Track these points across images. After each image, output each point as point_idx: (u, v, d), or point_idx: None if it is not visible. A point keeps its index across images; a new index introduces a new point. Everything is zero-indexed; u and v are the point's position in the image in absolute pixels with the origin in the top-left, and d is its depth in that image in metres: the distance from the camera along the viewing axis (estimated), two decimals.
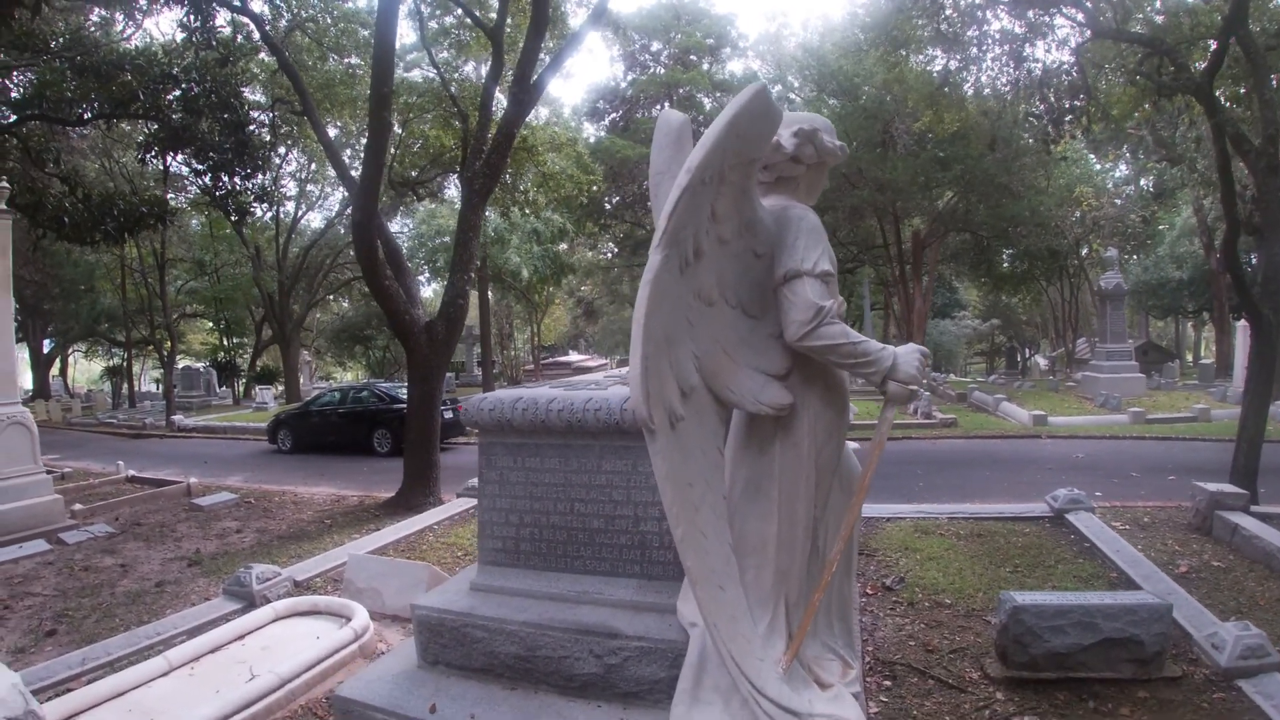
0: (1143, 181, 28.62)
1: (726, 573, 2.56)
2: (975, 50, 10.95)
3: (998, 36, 10.36)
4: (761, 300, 2.73)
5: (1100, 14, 8.48)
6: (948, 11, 10.42)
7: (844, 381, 2.93)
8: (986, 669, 4.25)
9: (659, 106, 25.68)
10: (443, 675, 3.06)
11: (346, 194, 25.83)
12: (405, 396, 15.34)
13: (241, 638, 4.21)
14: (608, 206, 25.57)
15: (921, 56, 13.51)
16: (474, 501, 7.94)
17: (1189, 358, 37.01)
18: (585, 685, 2.91)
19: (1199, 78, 7.79)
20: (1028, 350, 44.69)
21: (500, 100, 10.51)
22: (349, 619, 4.36)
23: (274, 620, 4.47)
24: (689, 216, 2.37)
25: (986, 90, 12.73)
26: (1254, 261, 10.27)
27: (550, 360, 33.11)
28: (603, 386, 3.29)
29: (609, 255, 32.79)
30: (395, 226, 28.74)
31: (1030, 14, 9.30)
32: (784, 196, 2.86)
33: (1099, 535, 6.54)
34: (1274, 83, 8.28)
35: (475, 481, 8.19)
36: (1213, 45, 9.25)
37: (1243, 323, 21.34)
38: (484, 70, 12.55)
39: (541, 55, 8.71)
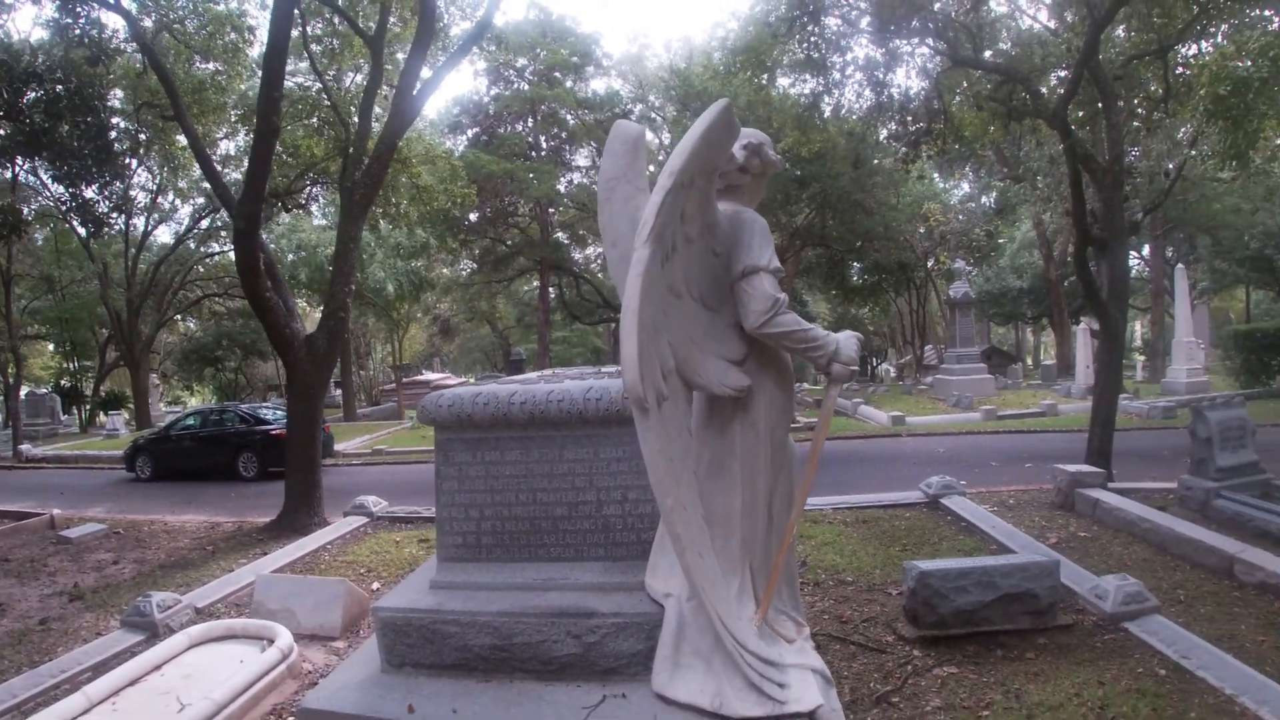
0: (984, 199, 31.44)
1: (703, 541, 2.75)
2: (839, 75, 11.80)
3: (862, 63, 11.21)
4: (719, 294, 2.98)
5: (959, 44, 9.40)
6: (813, 38, 11.17)
7: (791, 366, 3.19)
8: (900, 632, 4.66)
9: (524, 122, 25.78)
10: (411, 676, 3.01)
11: (215, 203, 24.15)
12: (268, 417, 14.87)
13: (159, 668, 3.92)
14: (469, 221, 25.30)
15: (788, 80, 14.34)
16: (363, 520, 7.76)
17: (1029, 361, 40.71)
18: (564, 667, 2.96)
19: (1055, 105, 8.79)
20: (875, 359, 47.70)
21: (378, 110, 10.32)
22: (271, 640, 4.17)
23: (189, 648, 4.18)
24: (669, 216, 2.58)
25: (848, 113, 13.70)
26: (1094, 270, 11.47)
27: (409, 380, 32.16)
28: (559, 379, 3.37)
29: (467, 271, 32.28)
30: None
31: (894, 43, 10.18)
32: (733, 202, 3.12)
33: (974, 515, 7.21)
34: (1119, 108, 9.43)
35: (363, 499, 8.08)
36: (1060, 74, 10.41)
37: (1082, 326, 24.01)
38: (356, 79, 12.25)
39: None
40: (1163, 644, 4.49)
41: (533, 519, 3.20)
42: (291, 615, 4.60)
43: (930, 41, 9.27)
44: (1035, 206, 23.74)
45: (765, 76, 14.54)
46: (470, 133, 25.41)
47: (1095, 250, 9.55)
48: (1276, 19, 7.84)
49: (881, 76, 10.98)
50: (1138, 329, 38.66)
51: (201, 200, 25.18)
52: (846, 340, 2.98)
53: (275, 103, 7.29)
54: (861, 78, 11.46)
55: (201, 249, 27.79)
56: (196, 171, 19.64)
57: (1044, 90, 9.78)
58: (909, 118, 10.69)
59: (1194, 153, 16.88)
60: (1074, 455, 9.15)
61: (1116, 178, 8.91)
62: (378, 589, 5.54)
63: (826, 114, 12.75)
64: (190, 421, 15.36)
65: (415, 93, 8.16)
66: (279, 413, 15.96)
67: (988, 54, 10.10)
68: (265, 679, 3.82)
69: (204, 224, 26.29)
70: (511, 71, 25.01)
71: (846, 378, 3.03)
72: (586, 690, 2.90)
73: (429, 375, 36.77)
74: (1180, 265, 22.04)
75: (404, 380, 31.32)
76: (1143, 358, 27.73)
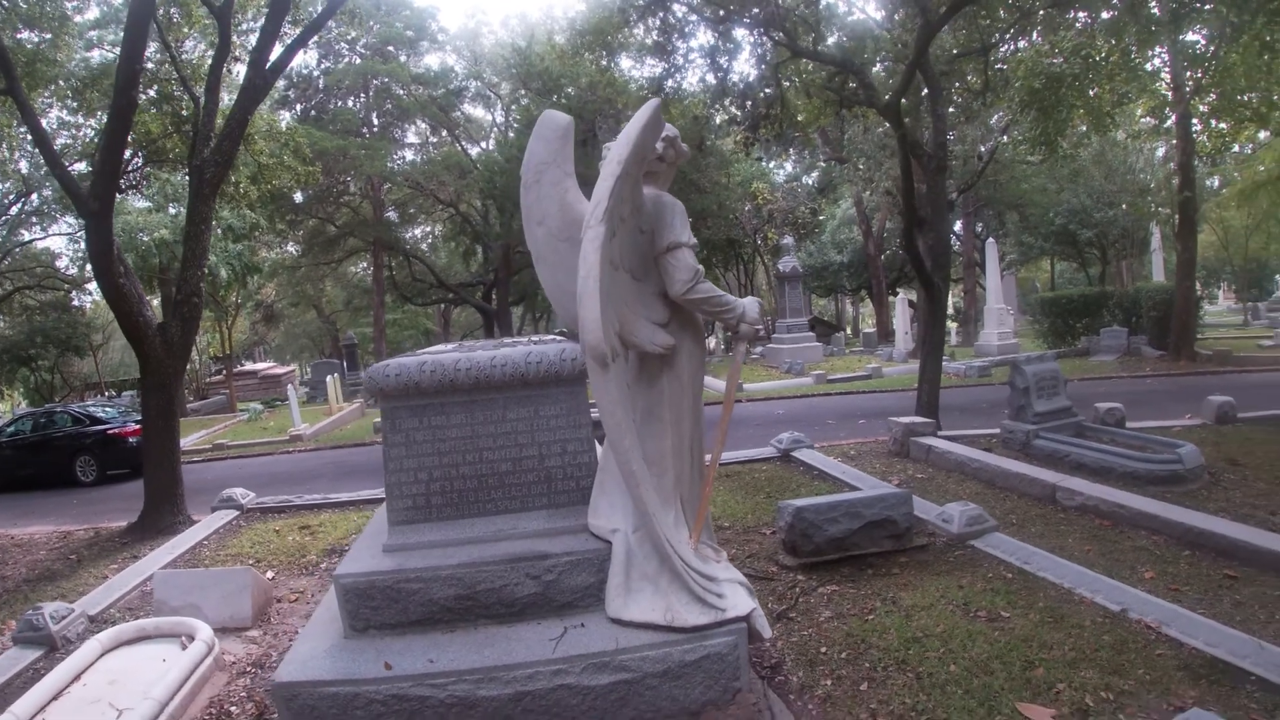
0: (806, 178, 33.60)
1: (646, 477, 3.13)
2: (682, 60, 12.37)
3: (705, 49, 11.84)
4: (645, 266, 3.40)
5: (797, 35, 10.19)
6: (659, 24, 11.65)
7: (703, 327, 3.68)
8: (782, 562, 5.29)
9: (355, 98, 24.64)
10: (378, 638, 3.16)
11: (26, 186, 21.10)
12: (103, 416, 13.90)
13: (78, 677, 3.73)
14: (297, 201, 23.94)
15: (631, 62, 14.79)
16: (234, 513, 7.56)
17: (849, 330, 44.15)
18: (525, 607, 3.24)
19: (889, 99, 9.72)
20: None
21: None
22: (190, 636, 4.08)
23: (103, 653, 3.99)
24: (617, 199, 2.95)
25: (692, 98, 14.35)
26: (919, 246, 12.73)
27: (237, 370, 29.99)
28: (498, 346, 3.61)
29: (295, 253, 30.42)
30: (68, 227, 24.18)
31: (736, 31, 10.85)
32: (652, 186, 3.51)
33: (824, 464, 7.99)
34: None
35: (230, 492, 7.79)
36: (887, 64, 11.42)
37: (900, 296, 26.36)
38: (199, 50, 11.31)
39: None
40: (1006, 554, 5.25)
41: (480, 476, 3.44)
42: (197, 610, 4.48)
43: (770, 32, 9.97)
44: (857, 186, 25.70)
45: (609, 59, 14.96)
46: (299, 108, 23.91)
47: (919, 228, 10.69)
48: (1090, 21, 9.04)
49: (724, 63, 11.66)
50: (950, 298, 43.02)
51: (8, 184, 22.12)
52: (751, 304, 3.52)
53: (135, 76, 6.75)
54: (704, 63, 12.11)
55: (12, 237, 24.44)
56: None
57: (874, 82, 10.79)
58: (749, 102, 11.44)
59: (1006, 139, 19.10)
60: (902, 411, 10.15)
61: (940, 163, 10.04)
62: (273, 578, 5.47)
63: (672, 94, 13.30)
64: (15, 428, 14.00)
65: (269, 66, 7.78)
66: (112, 410, 14.85)
67: (829, 40, 10.96)
68: (197, 673, 3.76)
69: (14, 210, 23.09)
70: (344, 45, 23.74)
71: (752, 335, 3.55)
72: (548, 626, 3.20)
73: (254, 365, 34.37)
74: (991, 240, 24.48)
75: (235, 371, 29.14)
76: (955, 324, 30.72)
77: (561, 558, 3.27)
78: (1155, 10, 7.35)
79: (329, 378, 21.18)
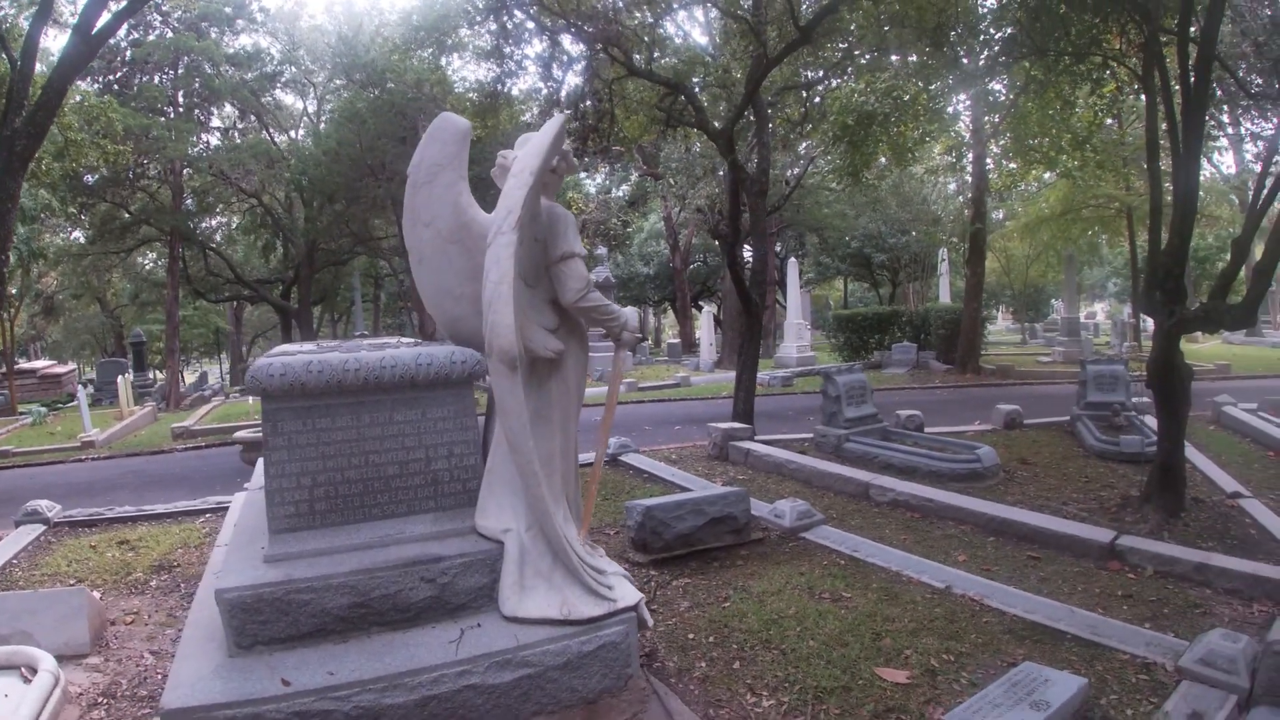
0: (617, 191, 34.46)
1: (543, 477, 3.25)
2: (514, 65, 12.40)
3: (543, 57, 11.97)
4: (536, 273, 3.56)
5: (632, 53, 10.57)
6: (495, 27, 11.63)
7: (587, 334, 3.87)
8: (632, 559, 5.54)
9: (165, 74, 22.26)
10: (267, 654, 2.97)
11: None
12: None
13: None
14: (89, 183, 21.33)
15: (463, 63, 14.56)
16: (40, 529, 6.75)
17: (652, 340, 45.70)
18: (420, 612, 3.21)
19: (723, 126, 10.28)
20: None
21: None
22: (33, 667, 3.59)
23: None
24: (529, 208, 3.04)
25: (519, 104, 14.38)
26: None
27: (18, 368, 26.06)
28: (384, 347, 3.55)
29: (81, 240, 27.10)
30: None
31: (574, 46, 11.04)
32: (544, 198, 3.62)
33: (652, 467, 8.33)
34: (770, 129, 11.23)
35: (35, 505, 6.96)
36: (708, 92, 12.06)
37: (705, 310, 27.57)
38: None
39: None
40: (836, 544, 5.77)
41: (366, 480, 3.36)
42: (29, 637, 3.92)
43: (608, 48, 10.27)
44: (669, 201, 26.72)
45: (443, 57, 14.64)
46: (102, 80, 21.20)
47: (725, 247, 11.32)
48: (901, 65, 10.06)
49: (558, 73, 11.87)
50: None
51: None
52: (632, 313, 3.80)
53: None
54: (538, 71, 12.26)
55: None
56: None
57: (702, 100, 11.42)
58: (581, 115, 11.70)
59: (812, 167, 20.53)
60: (713, 418, 10.68)
61: (762, 186, 10.82)
62: (100, 598, 4.94)
63: (500, 102, 13.28)
64: None
65: (95, 31, 6.98)
66: None
67: (663, 61, 11.45)
68: (48, 708, 3.33)
69: None
70: (156, 17, 21.32)
71: (633, 343, 3.81)
72: (444, 629, 3.20)
73: (32, 363, 29.93)
74: (792, 259, 26.44)
75: (7, 371, 25.16)
76: None
77: (455, 560, 3.29)
78: (965, 61, 8.36)
79: (119, 378, 18.93)
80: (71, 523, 6.94)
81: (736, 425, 9.55)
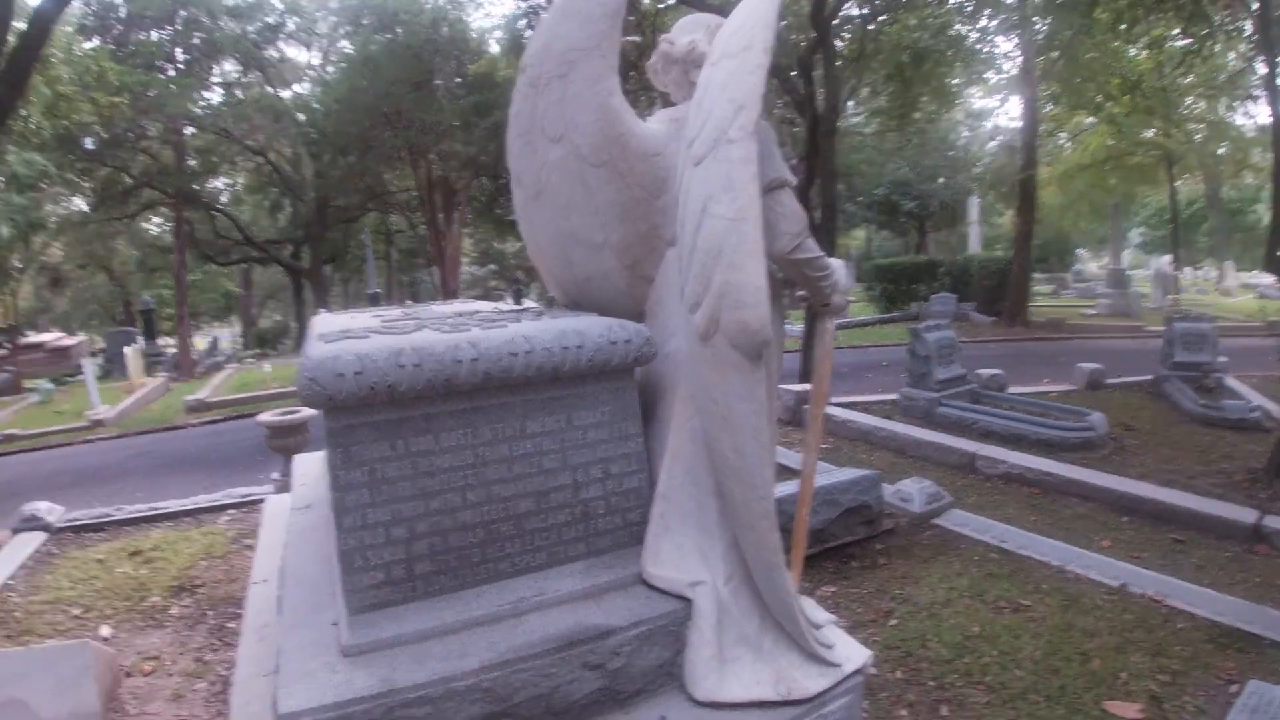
0: None
1: (775, 515, 2.31)
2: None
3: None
4: None
5: None
6: None
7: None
8: None
9: (162, 29, 20.92)
10: None
11: None
12: None
13: None
14: (88, 146, 20.20)
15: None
16: (42, 536, 5.78)
17: None
18: (581, 711, 2.16)
19: (800, 53, 9.20)
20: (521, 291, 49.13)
21: None
22: None
23: None
24: (761, 107, 1.98)
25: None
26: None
27: (25, 343, 25.21)
28: (497, 321, 2.41)
29: (84, 208, 26.12)
30: None
31: None
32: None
33: None
34: None
35: (33, 508, 5.92)
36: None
37: None
38: None
39: None
40: (977, 533, 5.03)
41: (488, 523, 2.25)
42: (23, 707, 2.95)
43: None
44: None
45: None
46: (97, 40, 20.00)
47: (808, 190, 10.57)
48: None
49: None
50: None
51: None
52: (842, 268, 2.54)
53: None
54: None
55: None
56: None
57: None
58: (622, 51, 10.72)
59: (850, 109, 19.58)
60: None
61: (830, 125, 9.74)
62: (113, 637, 3.95)
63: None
64: None
65: None
66: None
67: None
68: None
69: None
70: None
71: (844, 308, 2.65)
72: None
73: (40, 337, 29.11)
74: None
75: (15, 345, 24.40)
76: None
77: (628, 632, 2.18)
78: None
79: (127, 349, 17.95)
80: (77, 527, 6.01)
81: (809, 387, 8.55)
